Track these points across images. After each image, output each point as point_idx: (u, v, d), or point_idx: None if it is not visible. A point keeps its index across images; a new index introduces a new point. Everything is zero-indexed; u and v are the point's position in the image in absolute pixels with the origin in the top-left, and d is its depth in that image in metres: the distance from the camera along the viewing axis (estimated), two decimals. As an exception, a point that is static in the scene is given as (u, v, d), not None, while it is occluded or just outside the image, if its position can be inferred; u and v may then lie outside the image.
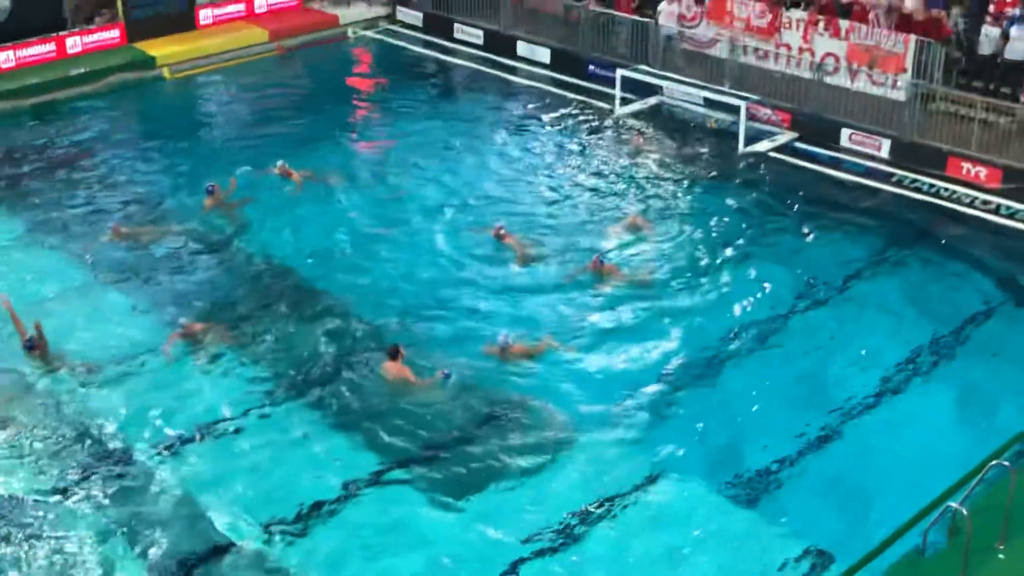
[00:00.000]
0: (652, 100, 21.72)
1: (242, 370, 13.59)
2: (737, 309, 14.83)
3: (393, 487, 11.65)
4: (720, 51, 21.58)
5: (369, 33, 26.05)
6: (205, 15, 25.01)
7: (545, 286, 15.39)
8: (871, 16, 20.24)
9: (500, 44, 24.56)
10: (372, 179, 18.83)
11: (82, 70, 22.66)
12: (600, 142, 20.21)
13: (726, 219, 17.32)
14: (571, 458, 12.01)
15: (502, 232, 16.36)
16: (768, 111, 20.27)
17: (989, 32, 19.14)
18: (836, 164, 19.11)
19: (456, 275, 15.74)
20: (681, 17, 22.31)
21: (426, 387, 13.03)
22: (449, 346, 13.97)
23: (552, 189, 18.40)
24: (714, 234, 16.85)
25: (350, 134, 20.88)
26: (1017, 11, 19.09)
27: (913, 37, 19.47)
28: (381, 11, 26.77)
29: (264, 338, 14.19)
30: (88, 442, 12.23)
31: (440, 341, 14.12)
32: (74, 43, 23.15)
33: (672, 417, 12.75)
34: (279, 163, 18.24)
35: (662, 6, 22.16)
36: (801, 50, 20.91)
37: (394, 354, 13.27)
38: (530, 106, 21.96)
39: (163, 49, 23.74)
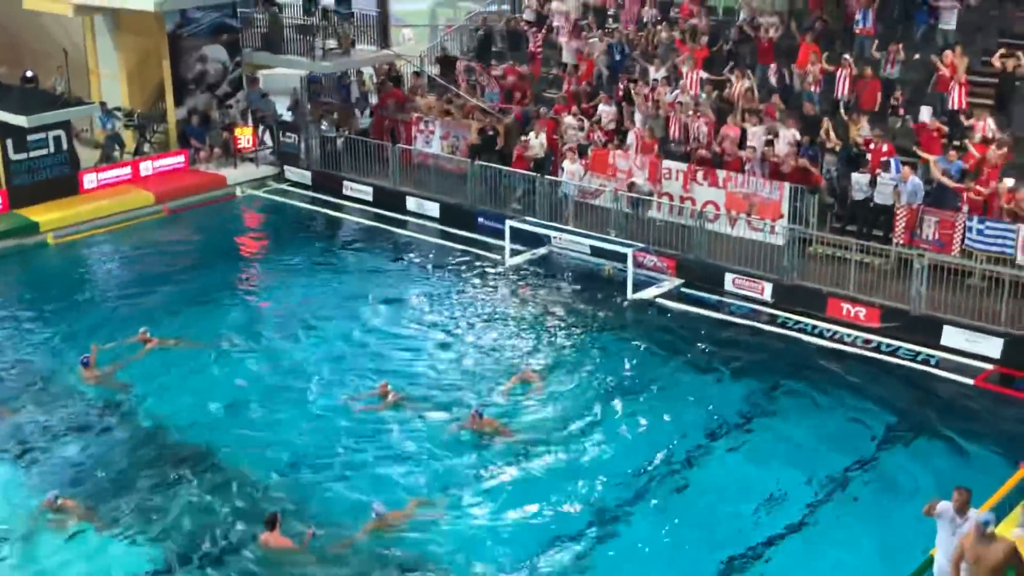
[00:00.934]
0: (541, 250, 22.03)
1: (118, 547, 13.01)
2: (631, 456, 14.77)
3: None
4: (605, 201, 22.07)
5: (258, 192, 26.11)
6: (90, 179, 24.83)
7: (428, 442, 15.15)
8: (747, 166, 20.98)
9: (390, 200, 24.81)
10: (257, 338, 18.55)
11: (-40, 239, 22.26)
12: (490, 294, 20.34)
13: (616, 366, 17.43)
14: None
15: (388, 390, 16.19)
16: (654, 258, 20.68)
17: (859, 179, 19.94)
18: (721, 308, 19.47)
19: (339, 435, 15.39)
20: (570, 173, 22.83)
21: (304, 551, 12.64)
22: (332, 507, 13.65)
23: (441, 344, 18.30)
24: (605, 382, 16.89)
25: (236, 293, 20.65)
26: (888, 159, 19.95)
27: (787, 185, 20.21)
28: (269, 170, 26.91)
29: (140, 512, 13.62)
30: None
31: (322, 503, 13.78)
32: (-47, 211, 22.79)
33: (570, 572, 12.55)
34: (140, 330, 17.90)
35: (566, 164, 22.56)
36: (682, 199, 21.53)
37: (271, 523, 12.88)
38: (420, 260, 22.09)
39: (46, 215, 23.43)
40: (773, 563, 12.62)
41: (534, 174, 22.76)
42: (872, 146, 20.38)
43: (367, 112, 27.37)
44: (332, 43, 27.74)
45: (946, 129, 20.64)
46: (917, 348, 17.62)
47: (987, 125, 20.26)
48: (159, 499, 13.91)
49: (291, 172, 26.76)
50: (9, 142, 23.47)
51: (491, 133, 24.22)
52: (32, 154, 23.81)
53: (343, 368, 17.39)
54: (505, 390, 16.52)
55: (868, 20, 23.95)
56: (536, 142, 23.24)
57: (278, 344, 18.31)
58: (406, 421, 15.73)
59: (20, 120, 22.94)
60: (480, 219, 23.29)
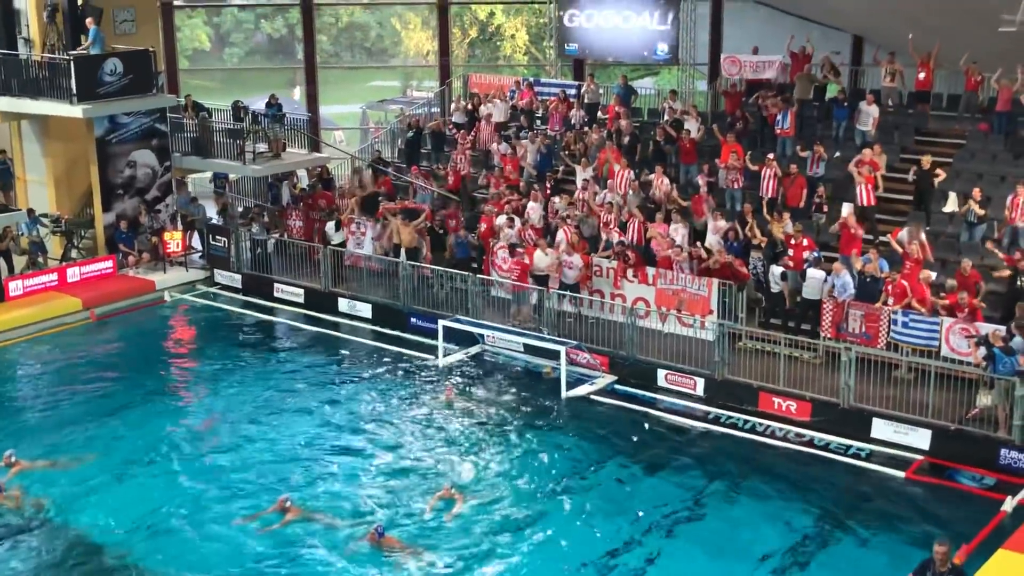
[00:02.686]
0: (474, 349, 22.03)
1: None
2: (563, 561, 14.63)
3: None
4: (536, 298, 22.19)
5: (187, 296, 25.87)
6: (15, 286, 24.41)
7: (326, 562, 14.72)
8: (675, 263, 21.28)
9: (321, 301, 24.73)
10: (177, 448, 18.17)
11: None
12: (422, 395, 20.21)
13: (549, 468, 17.36)
14: None
15: (287, 505, 15.71)
16: (587, 355, 20.76)
17: (774, 271, 20.32)
18: (655, 404, 19.56)
19: (245, 551, 14.98)
20: (498, 268, 22.98)
21: None
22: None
23: (365, 452, 17.97)
24: (537, 485, 16.76)
25: (160, 401, 20.20)
26: (812, 255, 20.40)
27: (715, 281, 20.52)
28: (199, 274, 26.72)
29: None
30: None
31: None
32: None
33: None
34: (6, 453, 17.22)
35: (537, 255, 22.47)
36: (613, 296, 21.73)
37: None
38: (351, 362, 21.94)
39: (-31, 323, 23.01)
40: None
41: (465, 272, 22.87)
42: (793, 241, 20.82)
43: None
44: (263, 147, 27.84)
45: (862, 232, 21.08)
46: (848, 441, 17.83)
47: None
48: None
49: (221, 276, 26.59)
50: (-69, 250, 23.12)
51: (440, 231, 24.39)
52: (-45, 262, 23.47)
53: (258, 480, 16.99)
54: (428, 507, 15.99)
55: (787, 121, 24.71)
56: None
57: (197, 455, 17.93)
58: (305, 537, 15.23)
59: (-57, 228, 22.64)
60: (412, 319, 23.27)
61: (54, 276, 25.18)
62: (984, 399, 17.35)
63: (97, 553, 15.04)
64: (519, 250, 22.84)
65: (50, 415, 19.52)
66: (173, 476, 17.19)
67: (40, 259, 26.06)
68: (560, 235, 23.02)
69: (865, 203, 22.01)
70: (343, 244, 25.32)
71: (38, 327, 23.62)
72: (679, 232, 22.07)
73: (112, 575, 14.48)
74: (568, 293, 21.78)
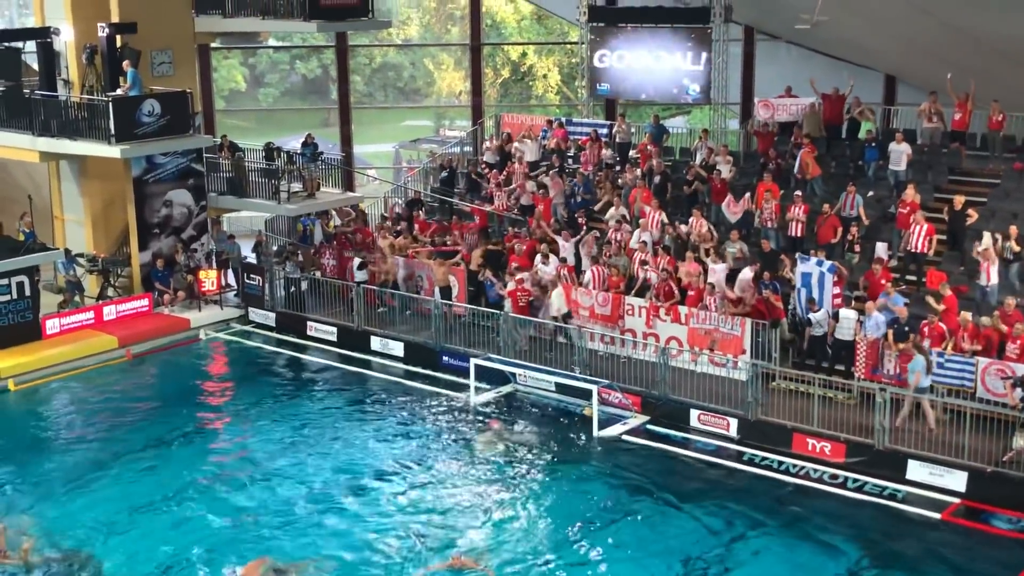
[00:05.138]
0: (506, 388, 22.03)
1: None
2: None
3: None
4: (568, 338, 22.21)
5: (221, 335, 26.07)
6: (52, 325, 24.71)
7: None
8: (708, 301, 21.26)
9: (354, 340, 24.84)
10: (212, 484, 18.34)
11: (-81, 386, 21.98)
12: (453, 435, 20.22)
13: (580, 508, 17.28)
14: None
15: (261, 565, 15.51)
16: (619, 395, 20.73)
17: (816, 317, 20.24)
18: (687, 445, 19.47)
19: None
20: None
21: None
22: None
23: (394, 492, 17.95)
24: (569, 525, 16.71)
25: (193, 439, 20.36)
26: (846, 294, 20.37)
27: (748, 320, 20.47)
28: (233, 312, 26.94)
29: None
30: None
31: None
32: (-89, 358, 22.54)
33: None
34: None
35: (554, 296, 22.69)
36: (645, 335, 21.71)
37: None
38: (383, 401, 21.99)
39: (7, 361, 23.23)
40: None
41: (497, 311, 22.95)
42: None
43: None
44: (297, 186, 28.11)
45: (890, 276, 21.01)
46: (883, 483, 17.66)
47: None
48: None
49: (255, 314, 26.78)
50: (-29, 288, 23.44)
51: (495, 248, 24.84)
52: (-6, 300, 23.78)
53: (285, 518, 17.05)
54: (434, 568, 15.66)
55: (798, 162, 24.74)
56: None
57: (227, 493, 18.03)
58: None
59: (-18, 266, 22.96)
60: (444, 357, 23.33)
61: (91, 314, 25.47)
62: (1021, 441, 17.17)
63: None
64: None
65: (83, 452, 19.69)
66: (202, 515, 17.26)
67: (77, 298, 26.37)
68: (588, 275, 23.07)
69: (918, 249, 21.80)
70: (367, 282, 25.48)
71: (74, 364, 23.85)
72: (712, 271, 22.04)
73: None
74: (599, 330, 21.78)
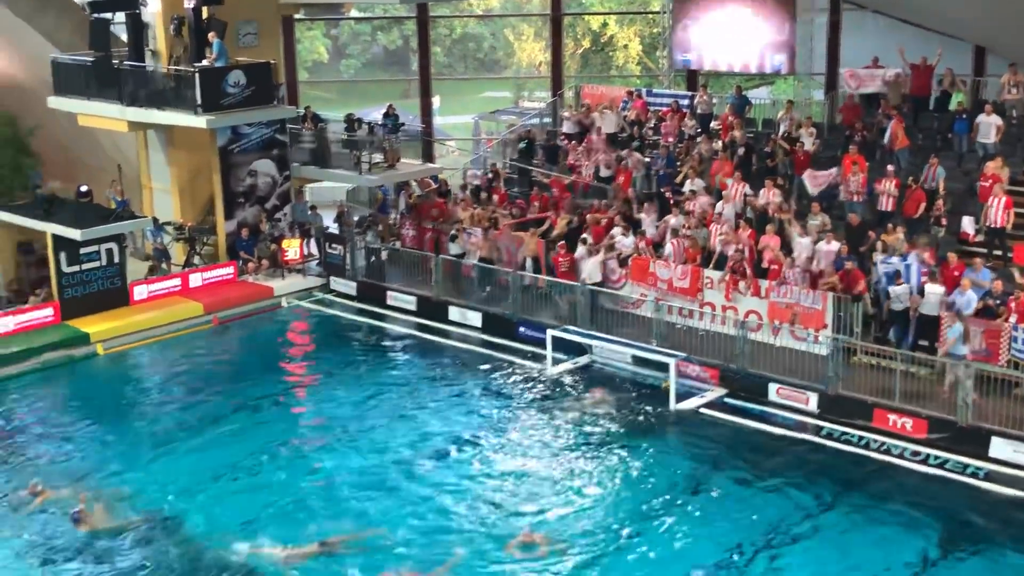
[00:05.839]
0: (583, 360, 22.08)
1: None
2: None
3: None
4: (646, 311, 22.16)
5: (303, 303, 26.48)
6: (140, 291, 25.32)
7: None
8: (788, 275, 21.05)
9: (432, 309, 25.06)
10: (288, 450, 18.70)
11: (13, 349, 22.62)
12: (528, 405, 20.31)
13: (657, 481, 17.28)
14: None
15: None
16: (697, 368, 20.65)
17: (896, 291, 19.94)
18: (766, 418, 19.34)
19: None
20: (606, 280, 23.04)
21: None
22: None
23: (469, 461, 18.10)
24: (643, 497, 16.72)
25: (276, 403, 20.80)
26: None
27: (830, 294, 20.23)
28: (315, 281, 27.33)
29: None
30: None
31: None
32: (7, 323, 23.20)
33: None
34: (32, 482, 17.29)
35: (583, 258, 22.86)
36: (724, 308, 21.58)
37: None
38: (460, 371, 22.16)
39: (97, 326, 23.86)
40: None
41: (575, 283, 22.97)
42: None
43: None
44: (378, 157, 28.36)
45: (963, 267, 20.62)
46: (966, 460, 17.40)
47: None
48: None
49: (336, 283, 27.15)
50: (63, 255, 24.05)
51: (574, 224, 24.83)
52: (84, 267, 24.37)
53: (359, 487, 17.29)
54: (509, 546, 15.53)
55: (887, 133, 24.29)
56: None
57: (305, 459, 18.36)
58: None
59: (74, 234, 23.53)
60: (521, 328, 23.44)
61: (177, 281, 26.04)
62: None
63: (204, 553, 15.50)
64: (627, 262, 22.84)
65: (169, 415, 20.22)
66: (282, 479, 17.61)
67: (164, 265, 26.97)
68: (668, 247, 22.98)
69: (997, 224, 21.39)
70: (462, 256, 25.64)
71: (161, 330, 24.43)
72: (797, 244, 21.82)
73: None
74: (678, 303, 21.72)
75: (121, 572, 15.05)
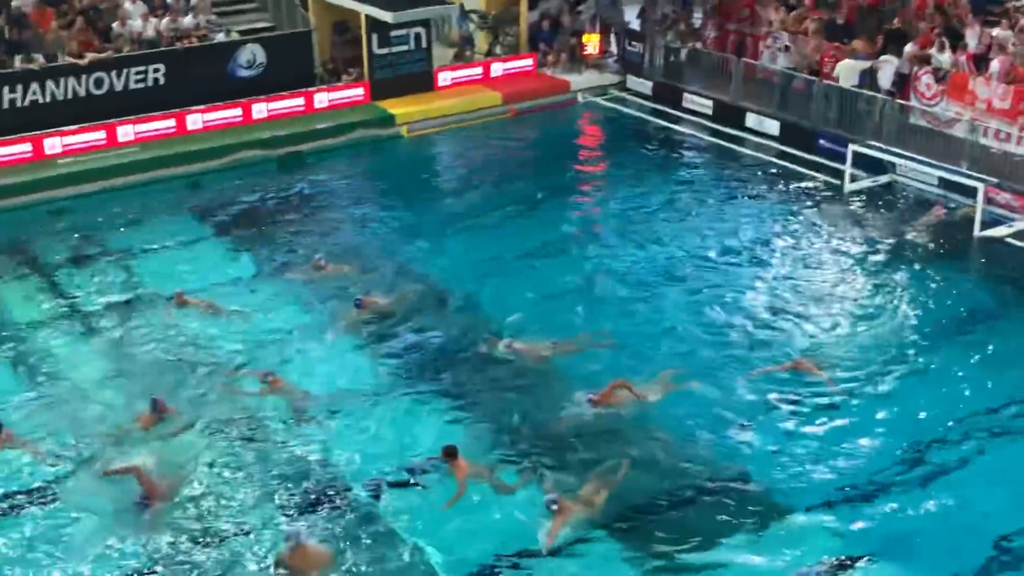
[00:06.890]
0: (883, 178, 21.15)
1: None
2: (957, 403, 14.07)
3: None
4: (959, 131, 20.84)
5: (599, 100, 26.49)
6: (444, 77, 26.04)
7: None
8: None
9: (728, 115, 24.51)
10: (573, 244, 19.09)
11: (328, 124, 23.96)
12: (824, 220, 19.74)
13: (950, 306, 16.53)
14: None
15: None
16: (1008, 196, 19.40)
17: None
18: (1080, 254, 18.09)
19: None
20: (920, 95, 21.72)
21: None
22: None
23: (752, 277, 17.71)
24: (929, 324, 16.01)
25: (566, 198, 21.21)
26: None
27: None
28: (612, 79, 27.19)
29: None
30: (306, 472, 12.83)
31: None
32: (322, 99, 24.52)
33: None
34: (315, 257, 17.82)
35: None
36: (1048, 134, 20.01)
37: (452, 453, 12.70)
38: (754, 180, 21.75)
39: (403, 108, 24.82)
40: None
41: (886, 97, 21.79)
42: None
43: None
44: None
45: None
46: None
47: None
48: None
49: (633, 81, 26.92)
50: (375, 37, 24.92)
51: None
52: (394, 49, 25.20)
53: (632, 286, 17.43)
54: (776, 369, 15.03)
55: None
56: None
57: (585, 254, 18.67)
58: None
59: (386, 16, 24.25)
60: (821, 140, 22.60)
61: (479, 70, 26.57)
62: None
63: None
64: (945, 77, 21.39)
65: (463, 200, 21.10)
66: (560, 271, 17.96)
67: (468, 53, 27.51)
68: (995, 64, 21.28)
69: None
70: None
71: (461, 117, 25.14)
72: None
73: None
74: (995, 125, 20.28)
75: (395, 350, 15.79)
